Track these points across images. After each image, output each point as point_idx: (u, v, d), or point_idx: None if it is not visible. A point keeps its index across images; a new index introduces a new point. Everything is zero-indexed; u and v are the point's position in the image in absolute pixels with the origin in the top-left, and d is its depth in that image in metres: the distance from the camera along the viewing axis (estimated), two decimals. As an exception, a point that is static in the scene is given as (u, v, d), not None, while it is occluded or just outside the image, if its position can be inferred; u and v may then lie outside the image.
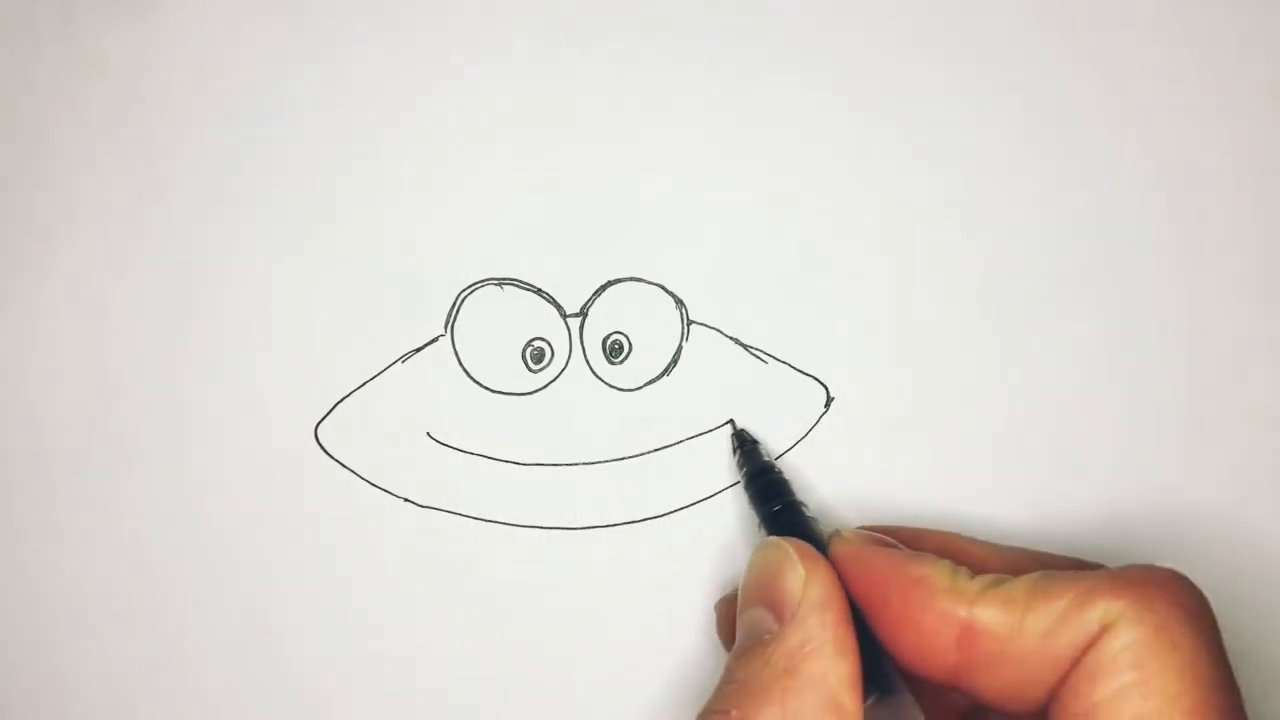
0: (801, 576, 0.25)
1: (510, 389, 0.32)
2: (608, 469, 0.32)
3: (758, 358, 0.32)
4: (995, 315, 0.32)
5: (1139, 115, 0.33)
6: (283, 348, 0.32)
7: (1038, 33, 0.33)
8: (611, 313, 0.32)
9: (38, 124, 0.32)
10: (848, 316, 0.32)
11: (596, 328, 0.32)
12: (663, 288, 0.32)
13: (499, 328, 0.32)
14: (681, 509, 0.32)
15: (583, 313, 0.32)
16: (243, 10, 0.32)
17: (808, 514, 0.29)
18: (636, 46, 0.32)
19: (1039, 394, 0.32)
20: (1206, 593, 0.25)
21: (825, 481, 0.32)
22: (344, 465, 0.31)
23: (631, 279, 0.32)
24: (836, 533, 0.27)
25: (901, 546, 0.27)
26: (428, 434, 0.32)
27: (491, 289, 0.32)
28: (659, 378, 0.32)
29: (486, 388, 0.32)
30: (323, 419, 0.31)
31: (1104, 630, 0.23)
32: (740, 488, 0.31)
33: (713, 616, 0.30)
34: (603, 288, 0.32)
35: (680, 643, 0.31)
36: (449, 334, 0.32)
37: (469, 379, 0.32)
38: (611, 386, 0.32)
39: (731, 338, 0.32)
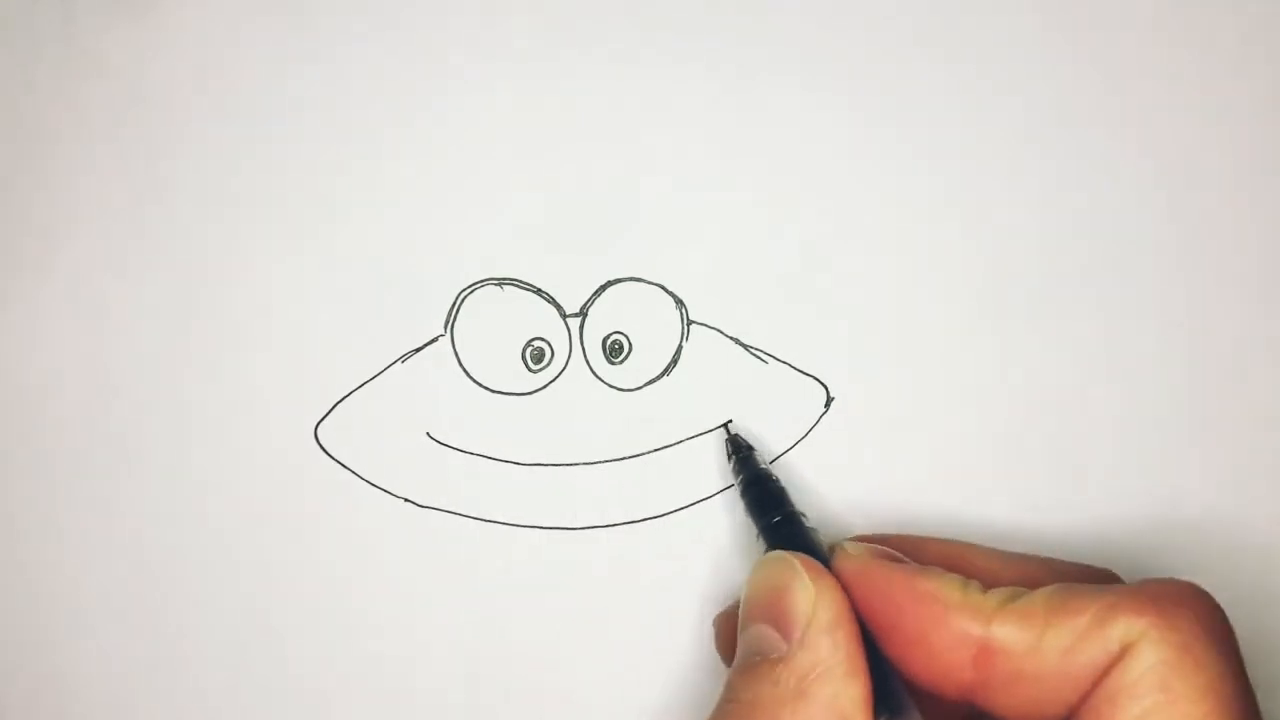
0: (811, 594, 0.25)
1: (510, 389, 0.32)
2: (608, 469, 0.32)
3: (758, 358, 0.32)
4: (995, 315, 0.32)
5: (1139, 115, 0.33)
6: (283, 348, 0.32)
7: (1038, 33, 0.33)
8: (611, 313, 0.32)
9: (38, 124, 0.32)
10: (848, 316, 0.32)
11: (596, 328, 0.32)
12: (663, 288, 0.32)
13: (499, 328, 0.32)
14: (681, 509, 0.32)
15: (583, 313, 0.32)
16: (243, 10, 0.32)
17: (808, 525, 0.28)
18: (636, 46, 0.32)
19: (1039, 394, 0.32)
20: (1224, 600, 0.24)
21: (825, 482, 0.32)
22: (344, 465, 0.31)
23: (631, 279, 0.32)
24: (840, 546, 0.26)
25: (906, 559, 0.26)
26: (428, 434, 0.32)
27: (491, 289, 0.32)
28: (659, 378, 0.32)
29: (486, 388, 0.32)
30: (323, 419, 0.31)
31: (1126, 650, 0.23)
32: (730, 490, 0.31)
33: (710, 624, 0.30)
34: (603, 288, 0.32)
35: (679, 643, 0.31)
36: (449, 334, 0.32)
37: (469, 379, 0.32)
38: (611, 386, 0.32)
39: (731, 338, 0.32)
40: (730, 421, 0.31)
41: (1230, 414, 0.32)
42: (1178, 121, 0.33)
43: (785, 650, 0.24)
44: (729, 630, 0.28)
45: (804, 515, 0.28)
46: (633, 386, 0.32)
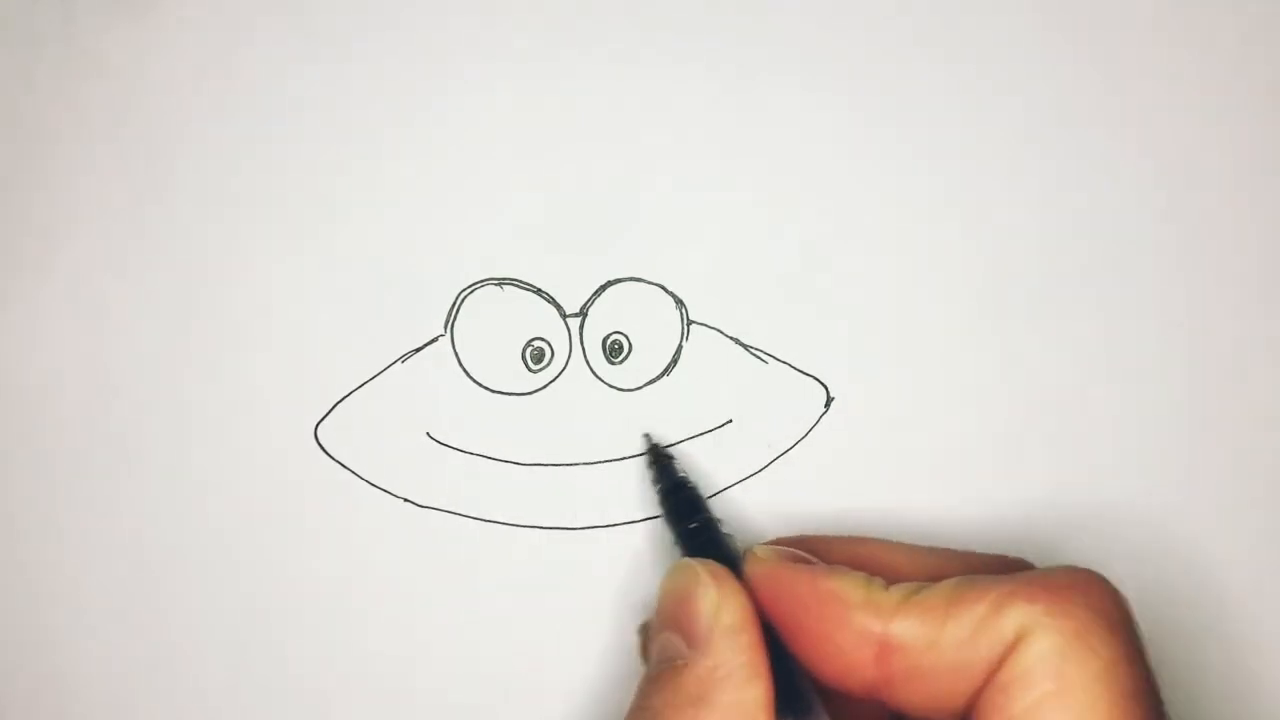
0: (713, 600, 0.25)
1: (510, 389, 0.32)
2: (608, 469, 0.32)
3: (758, 358, 0.32)
4: (995, 315, 0.32)
5: (1139, 115, 0.33)
6: (283, 348, 0.32)
7: (1038, 33, 0.33)
8: (611, 313, 0.32)
9: (38, 124, 0.32)
10: (848, 316, 0.32)
11: (596, 328, 0.32)
12: (663, 288, 0.32)
13: (499, 328, 0.32)
14: (681, 509, 0.32)
15: (583, 313, 0.32)
16: (243, 10, 0.32)
17: (724, 531, 0.28)
18: (636, 46, 0.32)
19: (1039, 394, 0.32)
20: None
21: (825, 482, 0.32)
22: (344, 465, 0.31)
23: (631, 279, 0.32)
24: (750, 550, 0.27)
25: (817, 561, 0.26)
26: (427, 434, 0.32)
27: (491, 289, 0.32)
28: (659, 378, 0.32)
29: (486, 388, 0.32)
30: (323, 419, 0.31)
31: (1020, 639, 0.23)
32: (730, 490, 0.31)
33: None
34: (603, 288, 0.32)
35: (680, 643, 0.31)
36: (449, 334, 0.32)
37: (469, 379, 0.32)
38: (611, 386, 0.32)
39: (731, 338, 0.32)
40: (648, 434, 0.31)
41: (1230, 414, 0.32)
42: (1178, 121, 0.33)
43: (689, 656, 0.25)
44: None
45: (721, 521, 0.29)
46: (633, 386, 0.32)
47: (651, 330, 0.32)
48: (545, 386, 0.32)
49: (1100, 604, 0.23)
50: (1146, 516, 0.32)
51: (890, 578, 0.25)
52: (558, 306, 0.32)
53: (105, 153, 0.32)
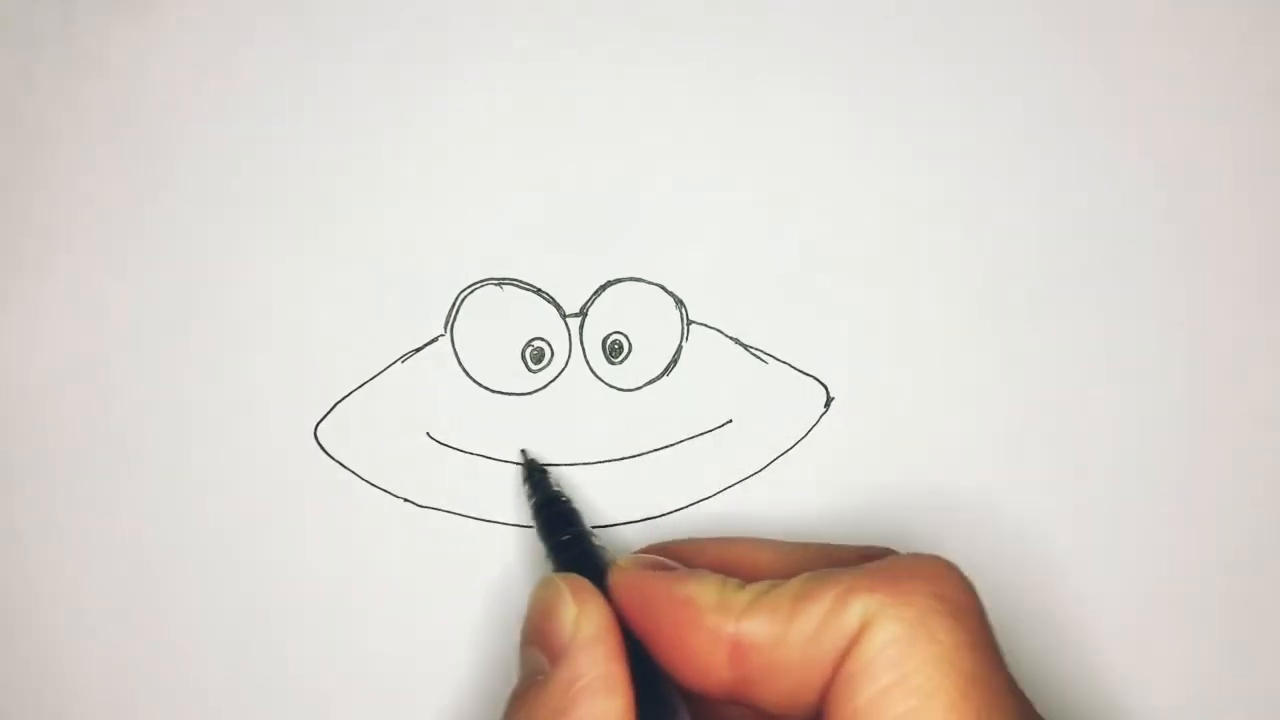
0: (573, 613, 0.25)
1: (510, 389, 0.32)
2: (608, 469, 0.32)
3: (758, 358, 0.32)
4: (995, 315, 0.32)
5: (1139, 115, 0.33)
6: (283, 348, 0.32)
7: (1038, 33, 0.33)
8: (611, 313, 0.32)
9: (38, 124, 0.32)
10: (848, 316, 0.32)
11: (596, 328, 0.32)
12: (663, 288, 0.32)
13: (499, 328, 0.32)
14: (681, 509, 0.32)
15: (582, 313, 0.32)
16: (243, 10, 0.32)
17: (596, 544, 0.28)
18: (636, 46, 0.32)
19: (1039, 394, 0.32)
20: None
21: (825, 482, 0.32)
22: (343, 465, 0.31)
23: (631, 279, 0.32)
24: (613, 561, 0.27)
25: (678, 566, 0.26)
26: (427, 434, 0.32)
27: (491, 289, 0.32)
28: (659, 378, 0.32)
29: (486, 388, 0.32)
30: (322, 419, 0.31)
31: (863, 629, 0.23)
32: (730, 490, 0.31)
33: None
34: (603, 288, 0.32)
35: (680, 643, 0.31)
36: (449, 334, 0.32)
37: (469, 379, 0.32)
38: (611, 386, 0.32)
39: (731, 338, 0.32)
40: (525, 449, 0.31)
41: (1230, 414, 0.32)
42: (1178, 121, 0.33)
43: (550, 670, 0.25)
44: None
45: (594, 534, 0.29)
46: (633, 386, 0.32)
47: (651, 330, 0.32)
48: (545, 386, 0.32)
49: (943, 590, 0.23)
50: (1146, 516, 0.32)
51: (754, 577, 0.25)
52: (558, 306, 0.32)
53: (105, 153, 0.32)
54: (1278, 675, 0.32)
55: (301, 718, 0.31)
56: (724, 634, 0.24)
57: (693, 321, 0.32)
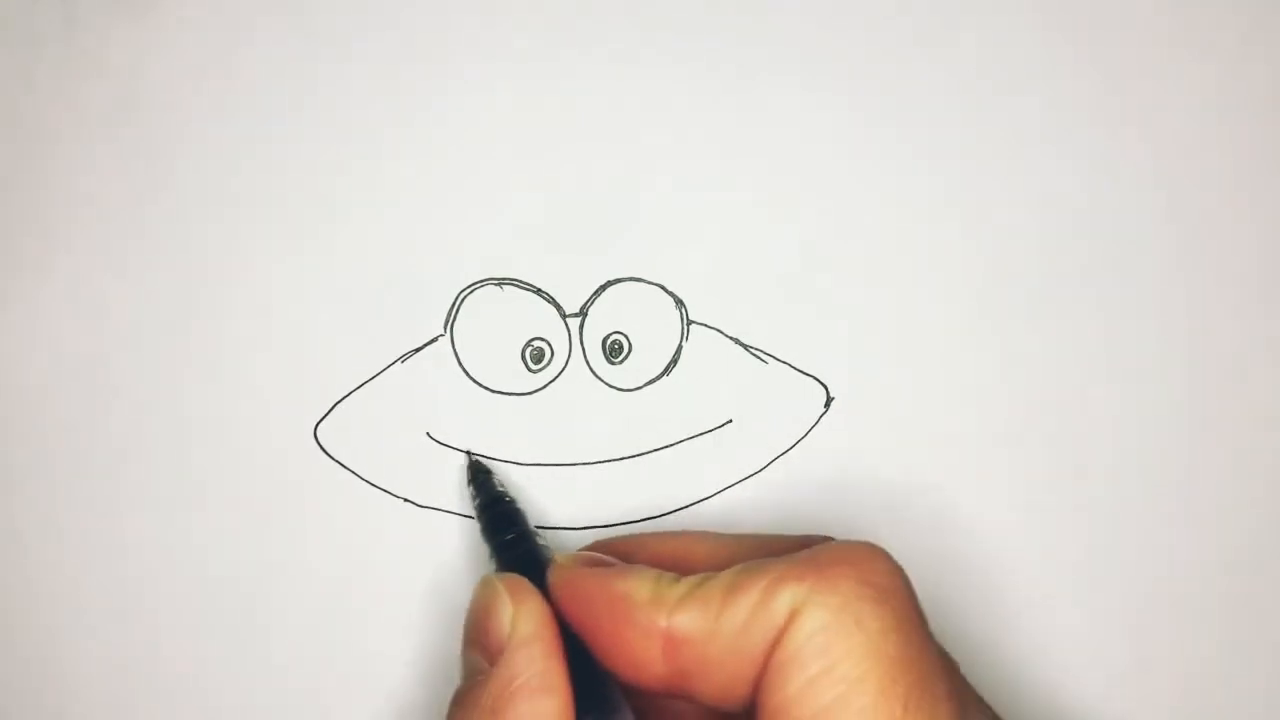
0: (509, 612, 0.25)
1: (510, 389, 0.32)
2: (608, 469, 0.32)
3: (758, 358, 0.32)
4: (995, 315, 0.32)
5: (1139, 115, 0.33)
6: (283, 348, 0.32)
7: (1038, 33, 0.33)
8: (611, 313, 0.32)
9: (38, 124, 0.32)
10: (848, 316, 0.32)
11: (596, 328, 0.32)
12: (663, 288, 0.32)
13: (499, 328, 0.32)
14: (681, 509, 0.32)
15: (582, 313, 0.32)
16: (243, 10, 0.32)
17: (540, 543, 0.28)
18: (636, 46, 0.32)
19: (1039, 394, 0.32)
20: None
21: (825, 481, 0.32)
22: (343, 465, 0.31)
23: (631, 279, 0.32)
24: (553, 560, 0.27)
25: (616, 562, 0.26)
26: (427, 434, 0.32)
27: (491, 289, 0.32)
28: (659, 378, 0.32)
29: (486, 388, 0.32)
30: (322, 419, 0.31)
31: (791, 619, 0.23)
32: (730, 490, 0.31)
33: None
34: (603, 288, 0.32)
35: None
36: (449, 334, 0.32)
37: (469, 379, 0.32)
38: (611, 386, 0.32)
39: (731, 338, 0.32)
40: (469, 450, 0.31)
41: (1230, 414, 0.32)
42: (1178, 121, 0.33)
43: (488, 671, 0.25)
44: None
45: (538, 534, 0.29)
46: (633, 386, 0.32)
47: (651, 330, 0.32)
48: (545, 386, 0.32)
49: (870, 576, 0.23)
50: (1145, 516, 0.32)
51: (692, 570, 0.25)
52: (558, 306, 0.32)
53: (105, 153, 0.32)
54: (1278, 675, 0.32)
55: (301, 718, 0.31)
56: (657, 628, 0.24)
57: (693, 321, 0.32)
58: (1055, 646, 0.32)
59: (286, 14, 0.32)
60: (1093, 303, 0.32)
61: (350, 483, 0.31)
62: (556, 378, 0.32)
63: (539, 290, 0.32)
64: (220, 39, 0.32)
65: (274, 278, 0.32)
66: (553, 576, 0.26)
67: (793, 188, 0.32)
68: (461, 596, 0.31)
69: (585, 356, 0.32)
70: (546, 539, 0.29)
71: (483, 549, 0.29)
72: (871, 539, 0.29)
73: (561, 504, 0.31)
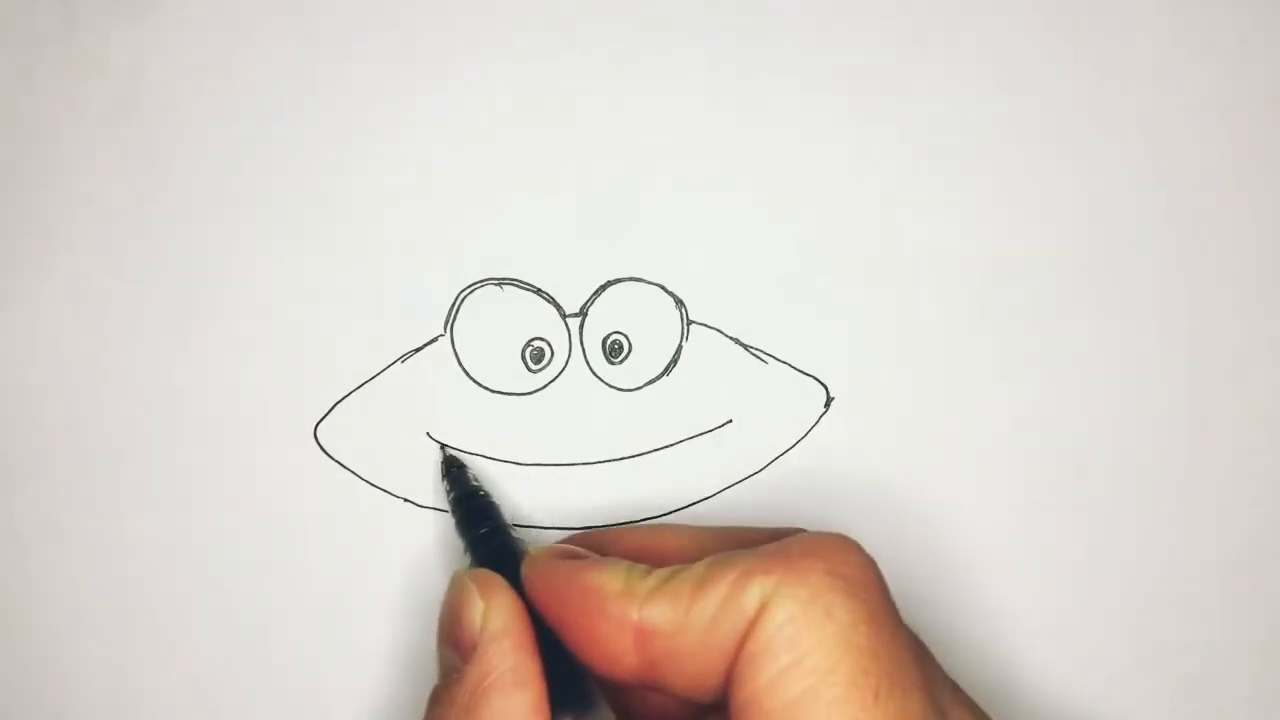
0: (480, 608, 0.25)
1: (510, 389, 0.32)
2: (608, 469, 0.32)
3: (758, 358, 0.32)
4: (995, 315, 0.32)
5: (1139, 115, 0.33)
6: (283, 348, 0.32)
7: (1038, 33, 0.33)
8: (611, 313, 0.32)
9: (38, 124, 0.32)
10: (848, 316, 0.32)
11: (596, 328, 0.32)
12: (663, 288, 0.32)
13: (499, 328, 0.32)
14: (681, 509, 0.32)
15: (582, 313, 0.32)
16: (243, 10, 0.32)
17: (514, 537, 0.28)
18: (636, 46, 0.32)
19: (1039, 394, 0.32)
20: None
21: (825, 482, 0.32)
22: (343, 465, 0.31)
23: (631, 279, 0.32)
24: (527, 553, 0.27)
25: (590, 555, 0.26)
26: (428, 434, 0.32)
27: (491, 289, 0.32)
28: (659, 378, 0.32)
29: (486, 388, 0.32)
30: (322, 419, 0.31)
31: (761, 611, 0.23)
32: (730, 490, 0.31)
33: None
34: (603, 288, 0.32)
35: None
36: (449, 334, 0.32)
37: (469, 379, 0.32)
38: (611, 386, 0.32)
39: (731, 338, 0.32)
40: (444, 445, 0.31)
41: (1230, 414, 0.32)
42: (1178, 121, 0.33)
43: (462, 668, 0.25)
44: None
45: (513, 528, 0.29)
46: (633, 386, 0.32)
47: (651, 330, 0.32)
48: (545, 386, 0.32)
49: (839, 568, 0.23)
50: (1145, 516, 0.32)
51: (665, 562, 0.25)
52: (558, 306, 0.32)
53: (105, 153, 0.32)
54: (1278, 675, 0.32)
55: (301, 717, 0.31)
56: (628, 620, 0.24)
57: (693, 321, 0.32)
58: (1055, 646, 0.32)
59: (286, 14, 0.32)
60: (1093, 303, 0.32)
61: (350, 483, 0.31)
62: (556, 378, 0.32)
63: (539, 290, 0.32)
64: (220, 39, 0.32)
65: (274, 278, 0.32)
66: (525, 569, 0.26)
67: (793, 188, 0.32)
68: (461, 596, 0.31)
69: (585, 356, 0.32)
70: (521, 533, 0.29)
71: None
72: (872, 539, 0.29)
73: (561, 504, 0.31)
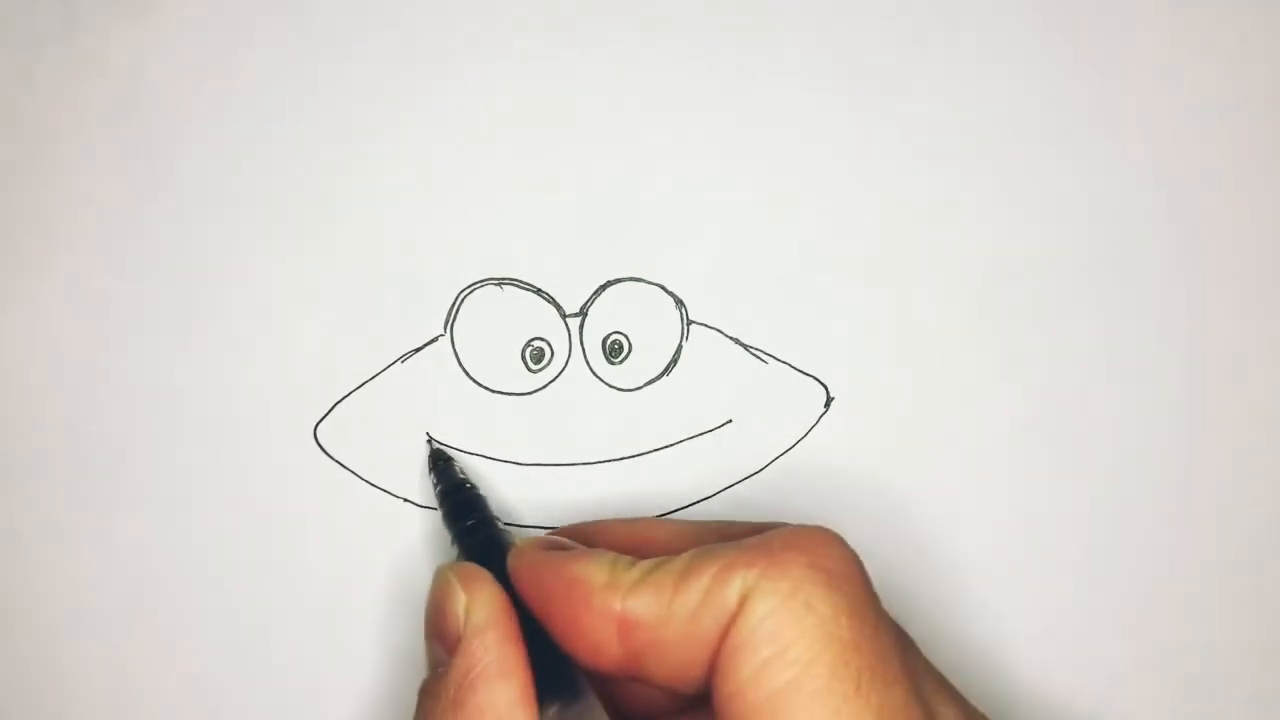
0: (463, 601, 0.25)
1: (510, 389, 0.32)
2: (608, 469, 0.32)
3: (758, 358, 0.32)
4: (995, 315, 0.32)
5: (1139, 115, 0.33)
6: (283, 347, 0.32)
7: (1038, 33, 0.33)
8: (611, 313, 0.32)
9: (38, 124, 0.32)
10: (848, 316, 0.32)
11: (596, 328, 0.32)
12: (663, 288, 0.32)
13: (499, 328, 0.32)
14: (681, 509, 0.32)
15: (582, 313, 0.32)
16: (243, 10, 0.32)
17: (500, 529, 0.28)
18: (636, 46, 0.32)
19: (1039, 394, 0.32)
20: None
21: (825, 482, 0.32)
22: (343, 465, 0.31)
23: (631, 279, 0.32)
24: (512, 544, 0.27)
25: (576, 546, 0.26)
26: (427, 434, 0.32)
27: (491, 289, 0.32)
28: (659, 378, 0.32)
29: (486, 388, 0.32)
30: (322, 419, 0.31)
31: (742, 603, 0.23)
32: (730, 490, 0.31)
33: None
34: (603, 288, 0.32)
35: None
36: (449, 334, 0.32)
37: (469, 379, 0.32)
38: (611, 386, 0.32)
39: (731, 338, 0.32)
40: (431, 438, 0.31)
41: (1230, 414, 0.32)
42: (1178, 121, 0.33)
43: (448, 661, 0.25)
44: None
45: (499, 520, 0.29)
46: (633, 386, 0.32)
47: (651, 330, 0.32)
48: (545, 386, 0.32)
49: (821, 561, 0.23)
50: (1146, 517, 0.32)
51: (650, 555, 0.25)
52: (558, 306, 0.32)
53: (105, 153, 0.32)
54: (1278, 675, 0.32)
55: (301, 717, 0.31)
56: (612, 612, 0.24)
57: (693, 321, 0.32)
58: (1055, 646, 0.32)
59: (286, 14, 0.32)
60: (1093, 303, 0.32)
61: (350, 483, 0.31)
62: (556, 378, 0.32)
63: (539, 290, 0.32)
64: (220, 39, 0.32)
65: (274, 278, 0.32)
66: (511, 561, 0.26)
67: (793, 188, 0.32)
68: (461, 596, 0.31)
69: (585, 356, 0.32)
70: (507, 526, 0.29)
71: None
72: (872, 539, 0.29)
73: (561, 504, 0.31)
